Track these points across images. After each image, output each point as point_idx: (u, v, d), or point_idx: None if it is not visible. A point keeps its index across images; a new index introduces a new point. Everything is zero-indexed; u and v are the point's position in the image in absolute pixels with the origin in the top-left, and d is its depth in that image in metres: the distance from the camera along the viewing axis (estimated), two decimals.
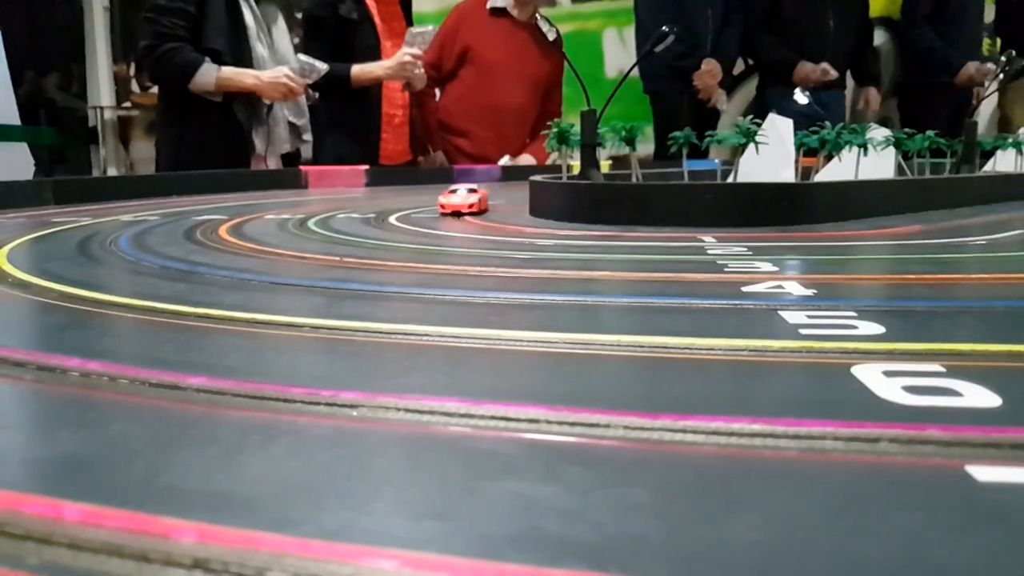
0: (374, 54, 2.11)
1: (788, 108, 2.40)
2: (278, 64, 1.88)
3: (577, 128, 0.99)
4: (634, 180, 1.01)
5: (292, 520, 0.18)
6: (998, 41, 3.17)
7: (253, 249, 0.70)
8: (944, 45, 2.78)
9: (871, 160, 1.03)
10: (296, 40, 2.20)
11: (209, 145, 1.82)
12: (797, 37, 2.61)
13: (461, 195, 1.07)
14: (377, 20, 2.14)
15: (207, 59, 1.73)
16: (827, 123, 1.03)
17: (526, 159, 2.38)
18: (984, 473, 0.20)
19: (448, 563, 0.16)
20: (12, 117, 3.31)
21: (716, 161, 1.48)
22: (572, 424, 0.24)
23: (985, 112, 3.02)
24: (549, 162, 2.22)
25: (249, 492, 0.20)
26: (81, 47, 3.38)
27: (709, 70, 2.57)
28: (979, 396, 0.26)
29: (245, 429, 0.25)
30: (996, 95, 2.87)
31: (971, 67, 2.71)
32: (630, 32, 3.06)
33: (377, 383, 0.29)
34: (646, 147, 2.71)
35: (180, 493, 0.20)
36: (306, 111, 2.01)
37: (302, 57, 1.95)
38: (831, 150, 1.00)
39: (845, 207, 0.92)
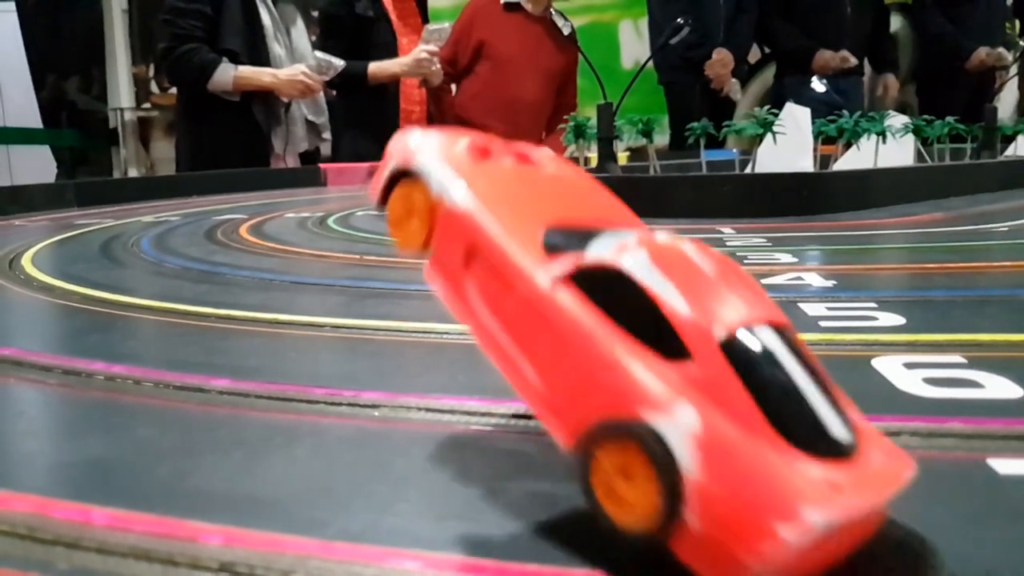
0: (390, 51, 2.12)
1: (806, 96, 2.38)
2: (297, 64, 1.89)
3: (594, 122, 0.98)
4: (652, 172, 1.01)
5: (317, 522, 0.18)
6: (1017, 24, 3.13)
7: (273, 248, 0.71)
8: (955, 30, 2.74)
9: (890, 147, 1.02)
10: (313, 39, 2.20)
11: (228, 144, 1.82)
12: (815, 24, 2.58)
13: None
14: (393, 17, 2.15)
15: (224, 59, 1.74)
16: (845, 111, 1.02)
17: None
18: (1006, 466, 0.20)
19: (471, 564, 0.17)
20: (34, 120, 3.34)
21: (734, 151, 1.47)
22: None
23: (1006, 97, 2.99)
24: (566, 155, 2.22)
25: (274, 494, 0.20)
26: (101, 50, 3.41)
27: (720, 59, 2.56)
28: (1001, 387, 0.26)
29: (269, 431, 0.25)
30: (1017, 79, 2.84)
31: (982, 52, 2.67)
32: (646, 24, 3.05)
33: (398, 383, 0.29)
34: (662, 138, 2.70)
35: (206, 496, 0.20)
36: (325, 109, 2.02)
37: (319, 54, 1.95)
38: (849, 138, 1.00)
39: (864, 196, 0.91)
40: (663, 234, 0.19)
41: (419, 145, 0.21)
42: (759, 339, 0.16)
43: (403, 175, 0.21)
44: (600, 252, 0.18)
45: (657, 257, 0.17)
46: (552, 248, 0.19)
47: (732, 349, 0.16)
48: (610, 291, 0.17)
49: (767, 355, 0.16)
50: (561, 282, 0.18)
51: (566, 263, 0.18)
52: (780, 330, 0.17)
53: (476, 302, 0.19)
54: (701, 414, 0.15)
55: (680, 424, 0.15)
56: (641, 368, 0.16)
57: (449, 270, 0.20)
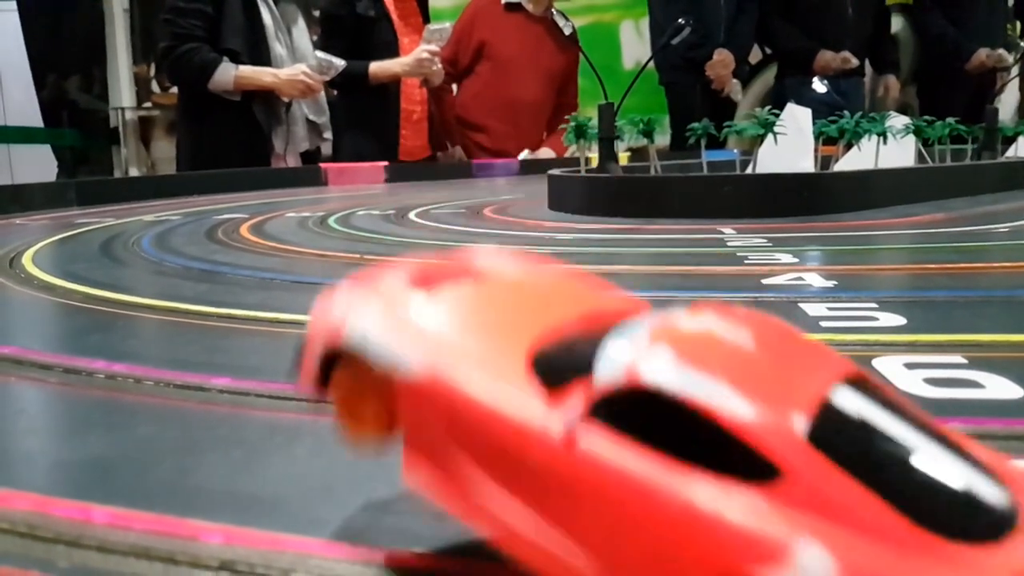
0: (392, 51, 2.12)
1: (807, 97, 2.38)
2: (298, 63, 1.89)
3: (595, 122, 0.98)
4: (652, 172, 1.01)
5: (317, 521, 0.18)
6: (1018, 25, 3.13)
7: (274, 248, 0.71)
8: (956, 31, 2.74)
9: (891, 148, 1.02)
10: (314, 38, 2.20)
11: (229, 144, 1.82)
12: (816, 25, 2.58)
13: None
14: (394, 17, 2.15)
15: (225, 59, 1.74)
16: (846, 112, 1.02)
17: (546, 152, 2.38)
18: None
19: (472, 563, 0.17)
20: (35, 119, 3.34)
21: (735, 151, 1.48)
22: None
23: (1007, 98, 2.98)
24: (568, 155, 2.22)
25: (274, 493, 0.20)
26: (102, 50, 3.41)
27: (721, 60, 2.56)
28: (1001, 387, 0.26)
29: (269, 430, 0.25)
30: (1018, 80, 2.84)
31: (982, 53, 2.67)
32: (647, 24, 3.05)
33: None
34: (663, 138, 2.69)
35: (206, 495, 0.20)
36: (326, 109, 2.02)
37: (319, 54, 1.95)
38: (850, 139, 1.00)
39: (865, 196, 0.91)
40: (677, 314, 0.14)
41: (345, 312, 0.17)
42: (849, 414, 0.13)
43: (338, 356, 0.17)
44: (613, 368, 0.13)
45: (683, 351, 0.13)
46: (551, 380, 0.14)
47: (825, 441, 0.12)
48: (647, 415, 0.13)
49: (866, 430, 0.13)
50: (582, 425, 0.13)
51: (577, 397, 0.14)
52: (861, 385, 0.13)
53: (479, 484, 0.14)
54: (829, 546, 0.11)
55: (811, 571, 0.11)
56: (730, 509, 0.12)
57: (432, 453, 0.15)
